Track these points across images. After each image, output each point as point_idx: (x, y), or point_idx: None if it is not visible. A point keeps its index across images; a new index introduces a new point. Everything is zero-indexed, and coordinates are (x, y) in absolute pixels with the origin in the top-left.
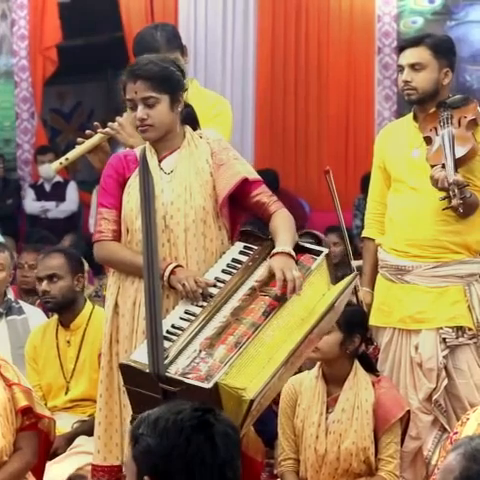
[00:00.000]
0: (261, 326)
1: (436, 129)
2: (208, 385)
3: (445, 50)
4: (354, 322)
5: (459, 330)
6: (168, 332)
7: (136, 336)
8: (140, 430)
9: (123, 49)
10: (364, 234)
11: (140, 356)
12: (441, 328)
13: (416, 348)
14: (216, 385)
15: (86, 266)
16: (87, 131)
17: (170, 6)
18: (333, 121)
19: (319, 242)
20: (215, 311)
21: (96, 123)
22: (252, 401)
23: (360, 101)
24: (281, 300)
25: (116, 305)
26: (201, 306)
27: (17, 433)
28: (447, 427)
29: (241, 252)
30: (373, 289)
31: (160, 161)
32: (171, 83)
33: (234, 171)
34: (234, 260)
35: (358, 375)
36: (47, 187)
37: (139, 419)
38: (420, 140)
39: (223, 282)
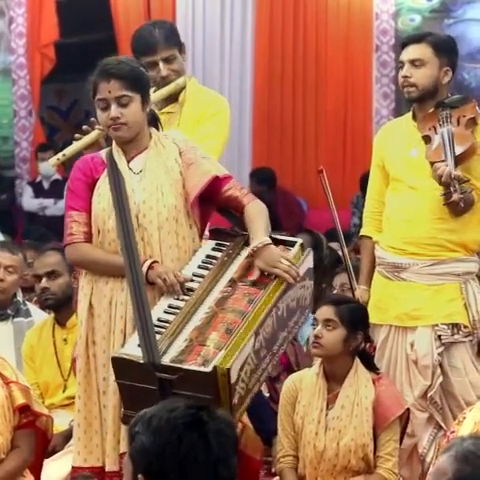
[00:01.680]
0: (249, 312)
1: (435, 128)
2: (208, 369)
3: (446, 49)
4: (357, 319)
5: (454, 327)
6: (155, 326)
7: (114, 336)
8: (136, 428)
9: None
10: (362, 232)
11: (131, 349)
12: (437, 325)
13: (412, 345)
14: (215, 369)
15: None
16: (84, 127)
17: (168, 3)
18: (331, 119)
19: (317, 240)
20: (199, 303)
21: (93, 119)
22: (228, 370)
23: (358, 99)
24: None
25: (91, 306)
26: (183, 300)
27: (15, 431)
28: (443, 425)
29: (214, 249)
30: (370, 287)
31: (128, 162)
32: (142, 83)
33: (204, 170)
34: (208, 256)
35: (358, 372)
36: (45, 184)
37: (136, 417)
38: (418, 139)
39: (202, 276)
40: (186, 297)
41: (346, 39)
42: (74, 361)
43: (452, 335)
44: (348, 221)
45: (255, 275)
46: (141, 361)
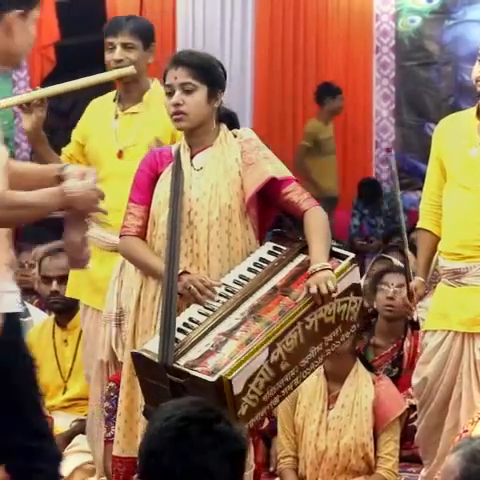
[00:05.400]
0: (273, 325)
1: None
2: (212, 379)
3: None
4: (367, 320)
5: None
6: (185, 325)
7: (154, 331)
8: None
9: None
10: (419, 225)
11: (152, 346)
12: None
13: None
14: (220, 379)
15: None
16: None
17: (168, 4)
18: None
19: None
20: (234, 308)
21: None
22: (229, 381)
23: (358, 100)
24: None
25: (139, 299)
26: (220, 301)
27: None
28: None
29: (269, 252)
30: (427, 279)
31: (192, 157)
32: (211, 76)
33: (262, 171)
34: (261, 259)
35: (359, 372)
36: None
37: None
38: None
39: (247, 280)
40: (224, 299)
41: (346, 40)
42: None
43: None
44: (348, 223)
45: (302, 295)
46: (156, 360)
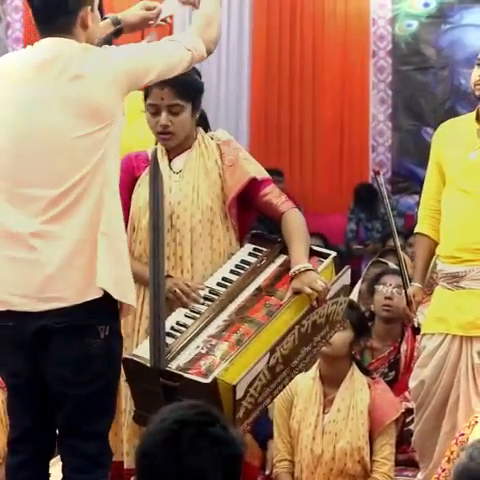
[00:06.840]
0: (264, 325)
1: None
2: (207, 380)
3: None
4: (364, 325)
5: None
6: (172, 329)
7: (138, 335)
8: None
9: None
10: (416, 229)
11: (143, 351)
12: None
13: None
14: (215, 380)
15: None
16: None
17: None
18: (328, 124)
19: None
20: (220, 310)
21: None
22: (234, 387)
23: (355, 104)
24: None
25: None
26: (205, 304)
27: None
28: None
29: (250, 254)
30: (424, 285)
31: (170, 161)
32: (194, 90)
33: (243, 171)
34: (243, 261)
35: (355, 376)
36: None
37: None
38: (479, 143)
39: (230, 282)
40: (209, 302)
41: (343, 44)
42: None
43: None
44: (344, 226)
45: (287, 296)
46: (148, 364)
